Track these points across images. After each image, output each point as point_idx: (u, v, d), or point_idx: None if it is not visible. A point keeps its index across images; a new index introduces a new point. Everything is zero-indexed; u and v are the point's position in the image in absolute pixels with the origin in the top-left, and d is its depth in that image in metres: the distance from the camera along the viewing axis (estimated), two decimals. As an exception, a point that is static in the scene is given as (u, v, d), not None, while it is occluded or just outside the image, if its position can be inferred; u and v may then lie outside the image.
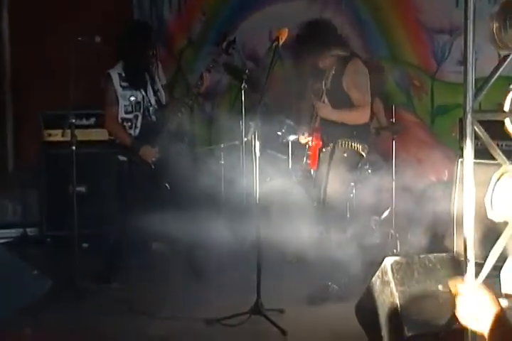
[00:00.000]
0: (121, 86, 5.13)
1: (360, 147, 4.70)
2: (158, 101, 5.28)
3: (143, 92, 5.21)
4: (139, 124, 5.18)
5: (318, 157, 4.78)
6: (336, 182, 4.61)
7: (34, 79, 7.05)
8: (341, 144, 4.68)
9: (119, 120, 5.14)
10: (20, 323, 4.13)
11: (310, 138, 4.78)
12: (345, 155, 4.66)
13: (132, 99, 5.15)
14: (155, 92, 5.28)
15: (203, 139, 6.86)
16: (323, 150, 4.76)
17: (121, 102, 5.12)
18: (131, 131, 5.17)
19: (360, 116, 4.70)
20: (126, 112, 5.15)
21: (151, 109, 5.23)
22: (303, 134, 4.84)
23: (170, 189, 5.22)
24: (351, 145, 4.68)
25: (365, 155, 4.78)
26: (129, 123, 5.16)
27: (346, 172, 4.67)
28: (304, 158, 4.91)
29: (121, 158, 5.19)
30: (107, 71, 5.17)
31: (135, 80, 5.16)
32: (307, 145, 4.86)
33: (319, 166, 4.76)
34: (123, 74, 5.13)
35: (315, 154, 4.78)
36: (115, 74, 5.13)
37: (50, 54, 6.69)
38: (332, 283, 4.60)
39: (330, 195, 4.60)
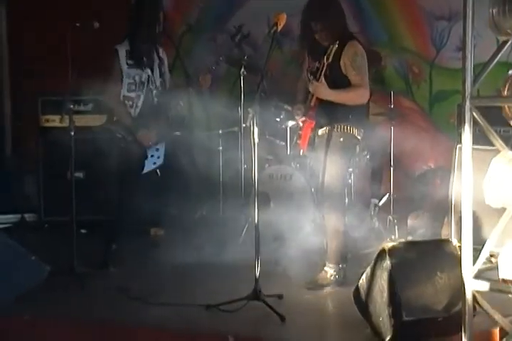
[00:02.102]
0: (127, 63, 5.06)
1: (355, 131, 4.65)
2: (163, 83, 5.23)
3: (149, 72, 5.16)
4: (140, 104, 5.13)
5: (310, 138, 4.71)
6: (333, 167, 4.59)
7: (32, 64, 7.04)
8: (337, 129, 4.61)
9: (121, 98, 5.11)
10: (19, 308, 4.14)
11: (304, 118, 4.72)
12: (342, 139, 4.61)
13: (137, 77, 5.11)
14: (161, 74, 5.24)
15: (201, 125, 6.86)
16: (319, 133, 4.70)
17: (125, 80, 5.07)
18: (132, 110, 5.13)
19: (359, 96, 4.58)
20: (129, 90, 5.10)
21: (154, 91, 5.18)
22: (298, 115, 4.75)
23: (161, 175, 5.21)
24: (347, 129, 4.62)
25: (360, 139, 4.72)
26: (130, 102, 5.11)
27: (344, 156, 4.64)
28: (295, 138, 4.87)
29: (119, 135, 5.15)
30: (114, 46, 5.13)
31: (142, 59, 5.11)
32: (299, 126, 4.82)
33: (316, 152, 4.71)
34: (130, 52, 5.10)
35: (306, 134, 4.69)
36: (122, 50, 5.07)
37: (49, 40, 6.67)
38: (330, 268, 4.61)
39: (328, 180, 4.58)
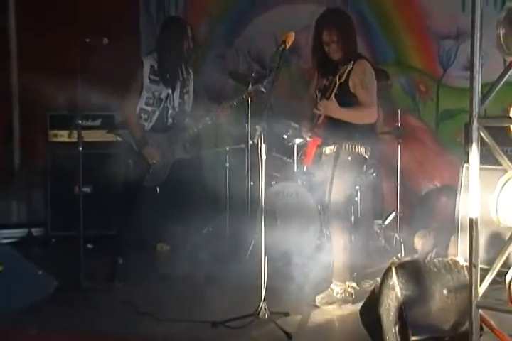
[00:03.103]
0: (149, 78, 5.09)
1: (363, 149, 4.64)
2: (181, 104, 5.25)
3: (169, 91, 5.19)
4: (154, 119, 5.17)
5: (316, 155, 4.70)
6: (340, 185, 4.59)
7: (41, 80, 7.08)
8: (345, 147, 4.61)
9: (138, 110, 5.14)
10: (25, 322, 4.15)
11: (310, 135, 4.71)
12: (350, 158, 4.62)
13: (156, 93, 5.13)
14: (182, 94, 5.26)
15: (209, 142, 6.88)
16: (326, 151, 4.70)
17: (144, 93, 5.10)
18: (146, 124, 5.15)
19: (368, 115, 4.59)
20: (147, 104, 5.13)
21: (170, 111, 5.20)
22: (304, 131, 4.74)
23: (160, 192, 5.23)
24: (355, 148, 4.63)
25: (367, 158, 4.73)
26: (146, 116, 5.13)
27: (351, 175, 4.64)
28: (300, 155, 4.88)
29: (128, 142, 5.18)
30: (140, 58, 5.19)
31: (164, 77, 5.13)
32: (306, 142, 4.80)
33: (323, 170, 4.71)
34: (155, 67, 5.13)
35: (311, 150, 4.68)
36: (148, 64, 5.10)
37: (58, 55, 6.71)
38: (336, 286, 4.60)
39: (335, 198, 4.58)
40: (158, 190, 5.22)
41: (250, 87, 5.49)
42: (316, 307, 4.52)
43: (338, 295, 4.57)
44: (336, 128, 4.55)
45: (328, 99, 4.49)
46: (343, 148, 4.60)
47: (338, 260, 4.63)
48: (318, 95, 4.67)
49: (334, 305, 4.54)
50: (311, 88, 4.86)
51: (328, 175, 4.60)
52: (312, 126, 4.67)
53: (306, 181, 5.49)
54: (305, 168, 4.82)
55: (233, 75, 6.28)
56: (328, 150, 4.67)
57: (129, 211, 5.28)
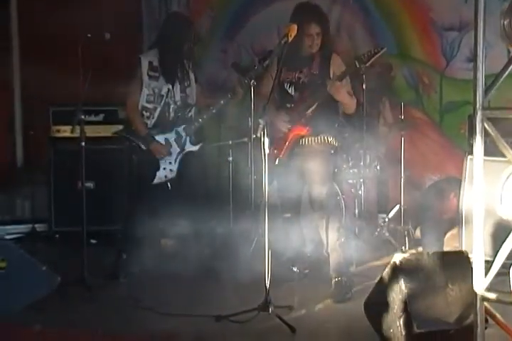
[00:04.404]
0: (148, 74, 5.07)
1: (334, 140, 4.72)
2: (184, 98, 5.22)
3: (169, 86, 5.17)
4: (156, 116, 5.15)
5: (292, 145, 4.69)
6: (325, 177, 4.61)
7: (44, 75, 7.08)
8: (320, 139, 4.67)
9: (139, 107, 5.12)
10: (29, 318, 4.15)
11: (290, 127, 4.68)
12: (333, 151, 4.66)
13: (156, 90, 5.11)
14: (184, 89, 5.24)
15: (212, 136, 6.86)
16: (306, 142, 4.68)
17: (144, 91, 5.08)
18: (148, 121, 5.14)
19: (354, 105, 4.73)
20: (148, 101, 5.11)
21: (172, 105, 5.18)
22: (284, 122, 4.70)
23: (171, 188, 5.20)
24: (325, 139, 4.68)
25: (336, 148, 4.78)
26: (148, 113, 5.12)
27: (329, 166, 4.68)
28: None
29: (134, 143, 5.16)
30: (138, 55, 5.17)
31: (164, 72, 5.10)
32: (282, 133, 4.74)
33: (303, 162, 4.67)
34: (154, 64, 5.10)
35: (290, 142, 4.68)
36: (146, 61, 5.08)
37: (60, 50, 6.71)
38: (337, 279, 4.58)
39: (320, 191, 4.57)
40: (169, 185, 5.20)
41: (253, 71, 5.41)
42: (320, 300, 4.51)
43: (341, 289, 4.54)
44: (322, 119, 4.57)
45: (341, 80, 4.49)
46: (325, 139, 4.63)
47: (332, 254, 4.63)
48: (290, 88, 4.68)
49: (340, 298, 4.51)
50: (265, 85, 4.80)
51: (307, 167, 4.60)
52: (299, 117, 4.64)
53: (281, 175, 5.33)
54: (277, 160, 4.71)
55: (236, 67, 6.24)
56: (308, 141, 4.67)
57: (132, 206, 5.27)
